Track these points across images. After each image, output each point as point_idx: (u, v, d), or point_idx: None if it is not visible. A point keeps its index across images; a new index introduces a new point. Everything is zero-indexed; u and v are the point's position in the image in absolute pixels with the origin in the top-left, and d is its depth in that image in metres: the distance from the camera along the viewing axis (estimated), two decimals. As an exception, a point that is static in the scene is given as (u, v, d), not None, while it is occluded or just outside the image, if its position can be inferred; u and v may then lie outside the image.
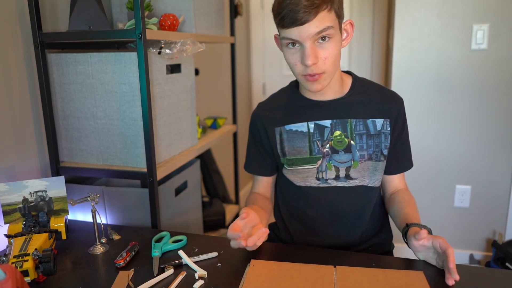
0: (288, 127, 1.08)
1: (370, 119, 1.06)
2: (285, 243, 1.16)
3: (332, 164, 1.06)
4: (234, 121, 2.05)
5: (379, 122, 1.06)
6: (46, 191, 1.09)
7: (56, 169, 1.30)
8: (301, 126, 1.07)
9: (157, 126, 1.29)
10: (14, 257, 0.85)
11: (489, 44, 2.03)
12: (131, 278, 0.90)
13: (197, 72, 1.96)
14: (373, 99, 1.07)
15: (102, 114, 1.27)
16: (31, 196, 1.08)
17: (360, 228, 1.11)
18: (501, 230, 2.21)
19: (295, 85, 1.13)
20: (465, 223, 2.25)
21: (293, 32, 0.92)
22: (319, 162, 1.07)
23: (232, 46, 1.97)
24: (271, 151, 1.13)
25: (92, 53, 1.23)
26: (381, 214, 1.17)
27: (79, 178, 1.44)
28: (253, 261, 0.94)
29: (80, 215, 1.31)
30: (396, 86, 2.19)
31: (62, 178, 1.11)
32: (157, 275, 0.91)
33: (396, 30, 2.15)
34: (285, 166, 1.10)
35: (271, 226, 1.26)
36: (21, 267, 0.83)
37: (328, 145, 1.06)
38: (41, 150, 1.30)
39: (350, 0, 2.96)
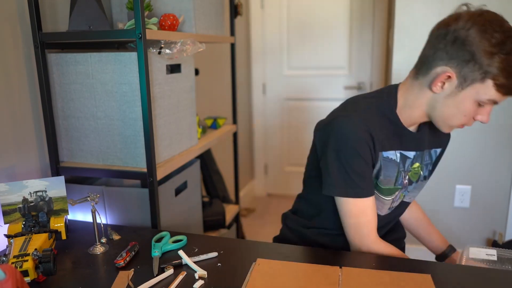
0: (386, 153, 1.00)
1: (433, 149, 1.09)
2: (299, 243, 1.14)
3: (403, 194, 1.08)
4: (234, 121, 2.05)
5: (438, 151, 1.11)
6: (46, 191, 1.09)
7: (56, 169, 1.30)
8: (392, 154, 1.00)
9: (157, 126, 1.29)
10: (14, 257, 0.85)
11: (489, 44, 2.03)
12: (131, 278, 0.90)
13: (197, 72, 1.96)
14: (437, 130, 1.05)
15: (102, 114, 1.27)
16: (31, 196, 1.08)
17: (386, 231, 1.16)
18: (501, 230, 2.21)
19: (392, 107, 1.01)
20: (465, 223, 2.25)
21: (502, 99, 0.89)
22: (397, 193, 1.04)
23: (232, 46, 1.97)
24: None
25: (92, 53, 1.23)
26: (398, 223, 1.24)
27: (79, 178, 1.44)
28: (259, 260, 0.94)
29: (80, 215, 1.31)
30: (396, 86, 2.19)
31: (62, 178, 1.11)
32: (157, 275, 0.91)
33: (396, 30, 2.15)
34: None
35: (287, 224, 1.22)
36: (21, 267, 0.83)
37: (407, 176, 1.05)
38: (41, 150, 1.30)
39: (350, 0, 2.96)
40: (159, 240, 1.06)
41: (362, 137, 0.95)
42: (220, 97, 2.68)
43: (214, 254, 0.99)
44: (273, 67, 3.26)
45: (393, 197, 1.05)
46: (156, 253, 0.99)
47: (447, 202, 2.25)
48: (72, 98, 1.29)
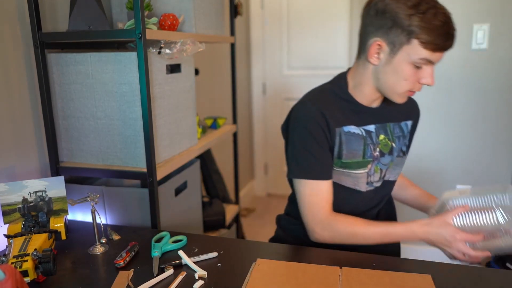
0: (346, 128, 1.05)
1: (403, 122, 1.13)
2: (294, 243, 1.15)
3: (378, 167, 1.09)
4: (234, 121, 2.05)
5: (409, 123, 1.14)
6: (45, 191, 1.09)
7: (56, 169, 1.30)
8: (355, 129, 1.06)
9: (157, 126, 1.29)
10: (14, 257, 0.85)
11: (489, 44, 2.03)
12: (131, 278, 0.90)
13: (197, 72, 1.96)
14: (401, 103, 1.09)
15: (102, 114, 1.27)
16: (30, 196, 1.08)
17: (375, 216, 1.17)
18: (501, 230, 2.21)
19: (344, 85, 1.08)
20: (465, 223, 2.25)
21: (437, 56, 0.94)
22: (369, 166, 1.08)
23: (232, 46, 1.97)
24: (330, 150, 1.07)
25: (92, 53, 1.23)
26: (391, 205, 1.24)
27: (79, 178, 1.44)
28: (259, 260, 0.94)
29: (80, 215, 1.31)
30: (396, 86, 2.19)
31: (61, 178, 1.11)
32: (157, 275, 0.90)
33: (396, 30, 2.14)
34: (335, 167, 1.07)
35: (281, 225, 1.23)
36: (20, 267, 0.83)
37: (378, 149, 1.09)
38: (41, 150, 1.30)
39: (350, 0, 2.96)
40: (159, 240, 1.06)
41: (313, 117, 1.02)
42: (220, 97, 2.67)
43: (214, 254, 0.99)
44: (273, 67, 3.26)
45: (366, 170, 1.07)
46: (156, 253, 0.99)
47: (447, 202, 2.25)
48: (72, 98, 1.29)
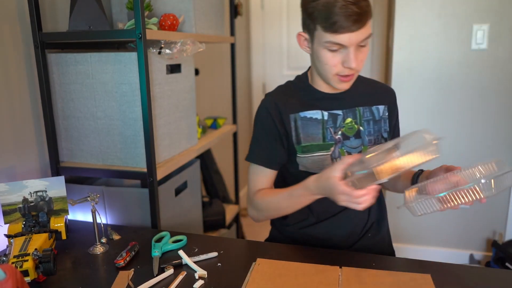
0: (302, 114, 1.10)
1: (375, 106, 1.14)
2: (289, 243, 1.15)
3: (344, 150, 1.11)
4: (234, 121, 2.05)
5: (380, 108, 1.14)
6: (46, 191, 1.09)
7: (56, 169, 1.30)
8: (315, 114, 1.10)
9: (157, 126, 1.29)
10: (14, 257, 0.85)
11: (489, 44, 2.03)
12: (131, 278, 0.90)
13: (197, 72, 1.96)
14: (372, 89, 1.16)
15: (102, 114, 1.27)
16: (31, 196, 1.08)
17: (366, 211, 1.14)
18: (501, 230, 2.21)
19: (304, 78, 1.15)
20: (465, 223, 2.25)
21: (342, 38, 0.95)
22: (332, 149, 1.10)
23: (232, 46, 1.97)
24: (285, 139, 1.11)
25: (92, 53, 1.23)
26: (383, 201, 1.22)
27: (79, 178, 1.44)
28: (259, 260, 0.94)
29: (80, 215, 1.31)
30: (396, 86, 2.18)
31: (62, 178, 1.11)
32: (157, 275, 0.91)
33: (396, 30, 2.15)
34: (298, 154, 1.10)
35: (275, 225, 1.25)
36: (21, 267, 0.83)
37: (340, 132, 1.10)
38: (41, 150, 1.30)
39: (350, 0, 2.96)
40: (159, 240, 1.06)
41: (266, 108, 1.12)
42: (220, 97, 2.67)
43: (214, 254, 0.99)
44: (273, 67, 3.26)
45: (329, 152, 1.09)
46: (156, 253, 0.99)
47: (447, 202, 2.25)
48: (72, 98, 1.29)
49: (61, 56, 1.27)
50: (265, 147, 1.12)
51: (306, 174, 1.08)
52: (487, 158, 2.27)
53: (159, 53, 1.24)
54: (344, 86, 1.05)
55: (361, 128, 1.12)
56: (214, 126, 1.88)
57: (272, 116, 1.10)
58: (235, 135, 2.07)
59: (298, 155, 1.10)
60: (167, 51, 1.24)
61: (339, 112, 1.11)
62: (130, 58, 1.18)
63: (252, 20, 3.23)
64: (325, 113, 1.10)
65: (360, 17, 0.92)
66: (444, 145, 2.19)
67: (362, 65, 1.02)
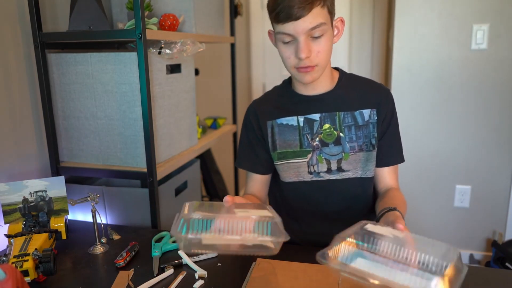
0: (279, 120, 1.11)
1: (358, 111, 1.09)
2: (290, 244, 1.15)
3: (322, 157, 1.09)
4: (234, 121, 2.05)
5: (366, 112, 1.09)
6: (46, 191, 1.09)
7: (56, 169, 1.30)
8: (291, 120, 1.10)
9: (157, 126, 1.29)
10: (14, 257, 0.85)
11: (489, 44, 2.03)
12: (131, 278, 0.90)
13: (197, 72, 1.96)
14: (360, 90, 1.11)
15: (102, 114, 1.27)
16: (31, 196, 1.08)
17: (366, 212, 1.13)
18: (501, 230, 2.21)
19: (288, 82, 1.16)
20: (465, 223, 2.25)
21: (288, 27, 0.95)
22: (309, 155, 1.09)
23: (232, 46, 1.97)
24: (265, 146, 1.14)
25: (92, 53, 1.23)
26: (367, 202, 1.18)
27: (79, 178, 1.44)
28: (259, 260, 0.94)
29: (80, 215, 1.31)
30: (396, 86, 2.19)
31: (62, 178, 1.11)
32: (157, 275, 0.91)
33: (396, 30, 2.15)
34: (274, 161, 1.12)
35: None
36: (21, 267, 0.83)
37: (318, 138, 1.09)
38: (41, 150, 1.30)
39: (350, 0, 2.96)
40: (159, 240, 1.06)
41: (248, 115, 1.17)
42: (220, 97, 2.67)
43: (214, 254, 0.99)
44: (273, 67, 3.26)
45: (306, 159, 1.09)
46: (156, 253, 0.99)
47: (447, 202, 2.25)
48: (72, 98, 1.29)
49: (61, 56, 1.27)
50: (249, 152, 1.16)
51: (287, 184, 1.11)
52: (487, 158, 2.28)
53: (159, 53, 1.24)
54: (307, 78, 1.01)
55: (341, 134, 1.08)
56: (214, 126, 1.88)
57: (253, 123, 1.14)
58: (235, 135, 2.07)
59: (275, 163, 1.12)
60: (167, 51, 1.24)
61: (316, 117, 1.08)
62: (130, 58, 1.18)
63: (252, 20, 3.23)
64: (301, 119, 1.09)
65: (303, 5, 0.92)
66: (444, 145, 2.20)
67: (323, 58, 0.99)
